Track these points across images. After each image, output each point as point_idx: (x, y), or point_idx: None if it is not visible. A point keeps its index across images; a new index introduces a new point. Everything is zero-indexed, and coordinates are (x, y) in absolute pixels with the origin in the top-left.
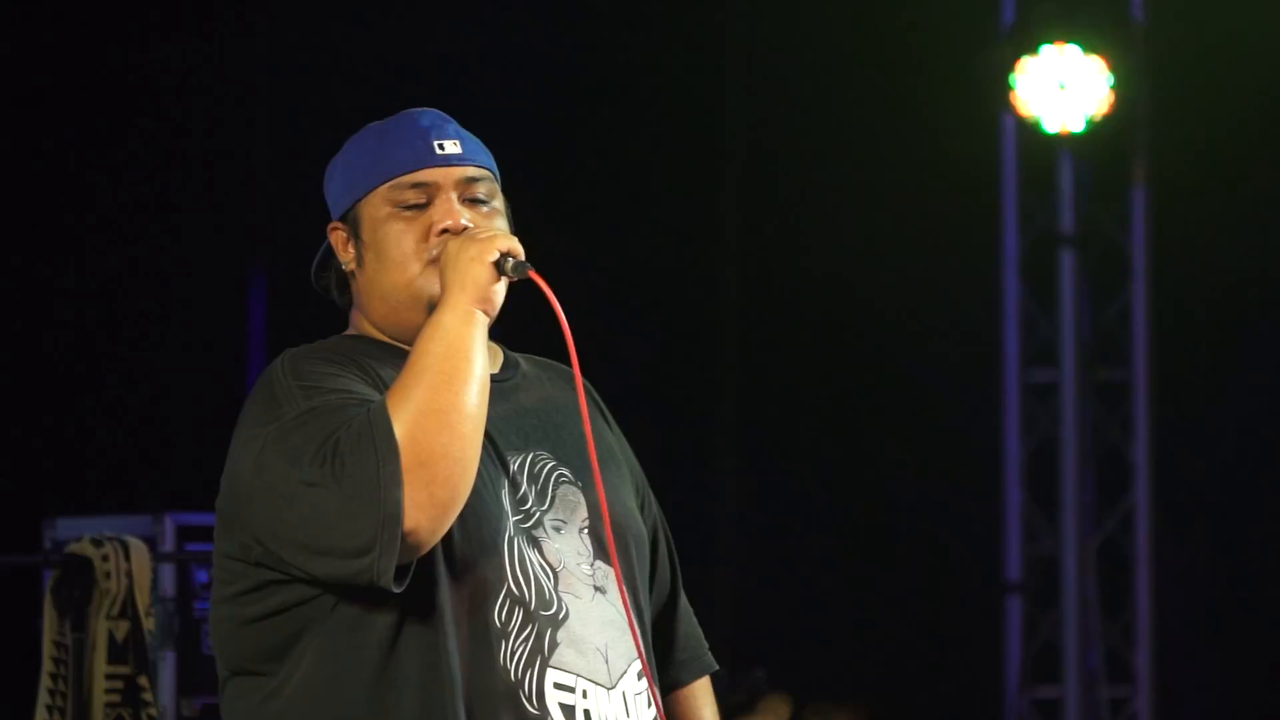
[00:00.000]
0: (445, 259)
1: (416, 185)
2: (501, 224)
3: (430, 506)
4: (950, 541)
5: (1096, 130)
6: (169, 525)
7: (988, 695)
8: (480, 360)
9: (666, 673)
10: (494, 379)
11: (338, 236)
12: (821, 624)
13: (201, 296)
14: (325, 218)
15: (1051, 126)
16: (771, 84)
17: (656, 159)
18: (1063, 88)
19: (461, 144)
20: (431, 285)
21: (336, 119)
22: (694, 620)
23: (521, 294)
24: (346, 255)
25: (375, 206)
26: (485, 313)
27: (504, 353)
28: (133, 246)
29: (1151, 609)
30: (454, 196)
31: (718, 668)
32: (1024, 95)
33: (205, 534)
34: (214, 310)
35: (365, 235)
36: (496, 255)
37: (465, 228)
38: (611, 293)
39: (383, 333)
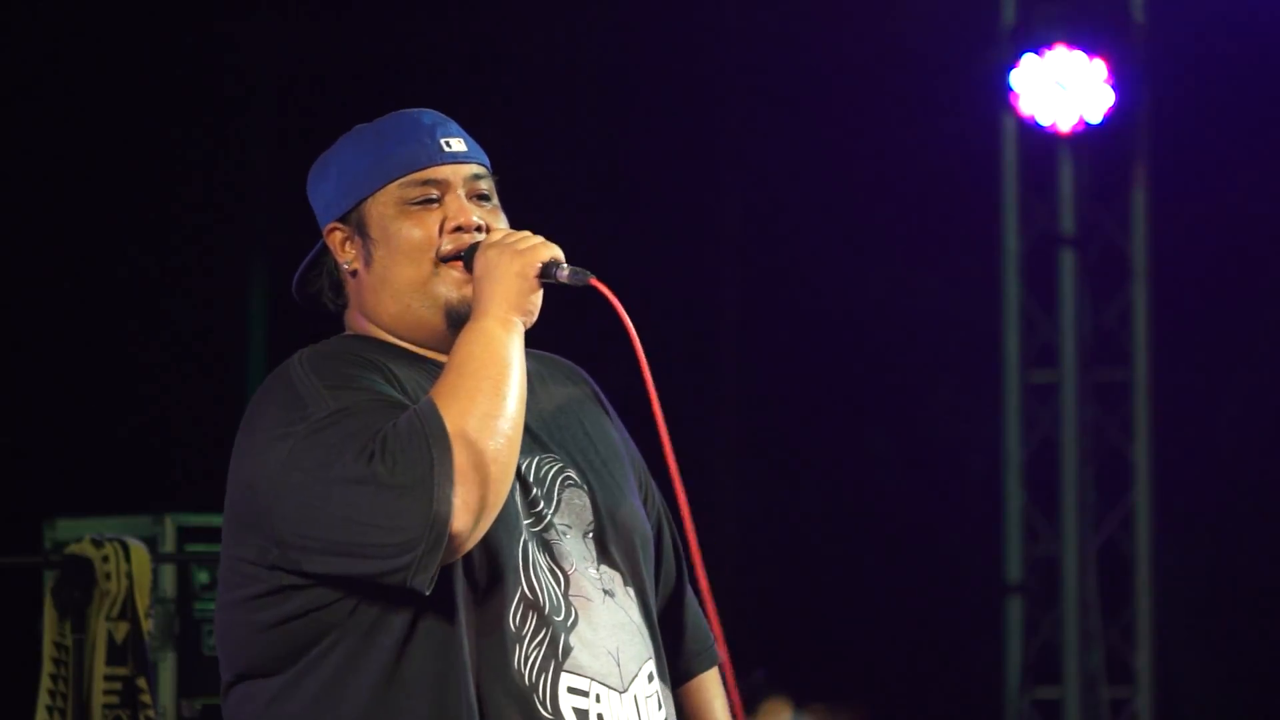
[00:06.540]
0: (485, 266)
1: (428, 182)
2: (503, 221)
3: (478, 508)
4: (950, 541)
5: (1096, 130)
6: (169, 526)
7: (988, 695)
8: (521, 369)
9: (678, 664)
10: None
11: (336, 238)
12: (821, 624)
13: (201, 296)
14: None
15: (1051, 127)
16: (771, 84)
17: (655, 158)
18: (1063, 88)
19: (465, 141)
20: (445, 288)
21: (336, 119)
22: (699, 611)
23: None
24: (348, 254)
25: (384, 204)
26: (525, 322)
27: None
28: (133, 246)
29: (1151, 609)
30: (463, 194)
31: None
32: (1024, 95)
33: (205, 534)
34: (214, 310)
35: (374, 233)
36: (539, 266)
37: (477, 225)
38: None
39: (390, 333)
